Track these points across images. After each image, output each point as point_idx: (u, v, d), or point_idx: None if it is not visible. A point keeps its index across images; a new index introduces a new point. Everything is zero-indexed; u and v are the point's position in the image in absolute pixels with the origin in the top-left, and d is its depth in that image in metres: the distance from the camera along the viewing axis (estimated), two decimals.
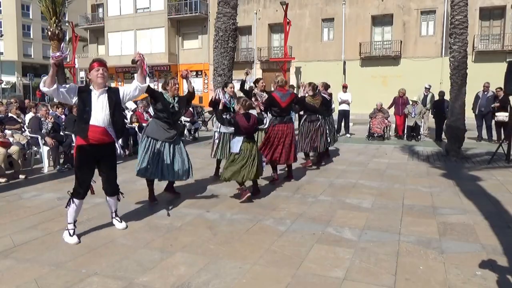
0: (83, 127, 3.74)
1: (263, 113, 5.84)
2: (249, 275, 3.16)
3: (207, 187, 6.06)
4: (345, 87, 13.18)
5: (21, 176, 6.65)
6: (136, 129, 9.27)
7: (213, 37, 10.78)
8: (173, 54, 31.41)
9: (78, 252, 3.60)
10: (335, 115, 10.86)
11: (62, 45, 3.76)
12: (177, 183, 5.96)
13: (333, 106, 10.38)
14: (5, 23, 45.61)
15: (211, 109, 7.19)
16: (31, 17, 48.27)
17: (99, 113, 3.77)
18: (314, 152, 7.75)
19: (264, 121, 7.00)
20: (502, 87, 9.02)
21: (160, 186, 5.45)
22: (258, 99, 6.65)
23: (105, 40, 33.60)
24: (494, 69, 19.06)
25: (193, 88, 5.37)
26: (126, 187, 5.96)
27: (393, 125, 12.80)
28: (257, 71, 28.06)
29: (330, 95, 9.34)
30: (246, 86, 6.85)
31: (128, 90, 4.04)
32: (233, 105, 6.29)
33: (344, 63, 25.91)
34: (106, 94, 3.84)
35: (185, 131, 11.95)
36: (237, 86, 6.79)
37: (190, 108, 12.76)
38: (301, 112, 7.80)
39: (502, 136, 10.25)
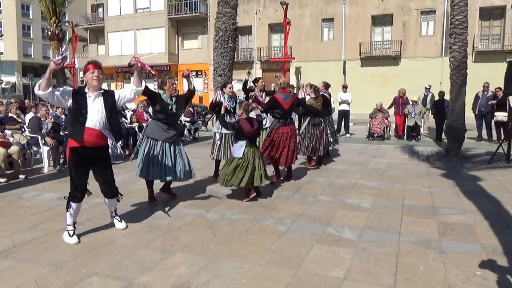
0: (79, 129, 3.70)
1: (262, 114, 5.85)
2: (249, 275, 3.16)
3: (207, 187, 6.06)
4: (345, 87, 13.18)
5: (21, 176, 6.66)
6: (136, 129, 9.27)
7: (213, 37, 10.78)
8: (173, 54, 31.40)
9: (78, 252, 3.60)
10: (335, 115, 10.89)
11: (61, 48, 3.73)
12: (177, 184, 5.96)
13: (333, 106, 10.40)
14: (5, 23, 45.58)
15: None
16: (31, 17, 48.24)
17: (95, 116, 3.74)
18: (315, 154, 7.76)
19: (264, 122, 7.04)
20: (502, 87, 9.02)
21: (158, 186, 5.44)
22: (258, 98, 6.67)
23: (105, 40, 33.59)
24: (494, 69, 19.06)
25: (194, 87, 5.34)
26: (126, 187, 5.96)
27: (393, 125, 12.80)
28: (257, 71, 28.05)
29: (329, 94, 9.35)
30: (247, 86, 6.87)
31: (124, 93, 4.02)
32: (233, 106, 6.28)
33: (344, 63, 25.91)
34: (102, 97, 3.82)
35: (185, 131, 11.95)
36: (236, 86, 6.80)
37: (190, 108, 12.77)
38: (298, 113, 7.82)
39: (502, 136, 10.26)
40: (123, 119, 9.82)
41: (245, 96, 6.99)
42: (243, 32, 28.41)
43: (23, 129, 7.72)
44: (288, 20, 23.56)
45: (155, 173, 4.89)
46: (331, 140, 8.50)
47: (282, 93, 6.30)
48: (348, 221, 4.45)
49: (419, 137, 12.04)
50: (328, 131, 8.12)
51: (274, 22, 27.87)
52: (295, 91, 7.65)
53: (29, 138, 7.37)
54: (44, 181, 6.48)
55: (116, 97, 3.96)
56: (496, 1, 22.95)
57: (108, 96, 3.88)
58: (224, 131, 6.26)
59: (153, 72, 4.73)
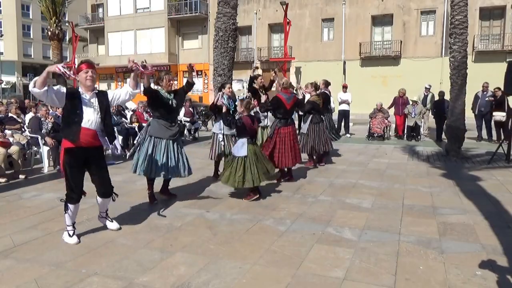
0: (74, 130, 3.66)
1: (259, 112, 5.86)
2: (249, 275, 3.16)
3: (207, 187, 6.06)
4: (345, 87, 13.18)
5: (21, 176, 6.66)
6: (136, 129, 9.27)
7: (213, 37, 10.78)
8: (173, 54, 31.41)
9: (78, 252, 3.60)
10: (335, 115, 10.89)
11: (69, 72, 3.63)
12: (177, 184, 5.97)
13: (333, 106, 10.41)
14: (5, 23, 45.58)
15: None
16: (31, 17, 48.24)
17: (91, 116, 3.72)
18: (316, 152, 7.78)
19: (266, 121, 7.04)
20: (502, 87, 9.03)
21: (157, 186, 5.44)
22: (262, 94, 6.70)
23: (105, 40, 33.60)
24: (494, 69, 19.07)
25: (193, 80, 5.34)
26: (126, 187, 5.96)
27: (393, 125, 12.80)
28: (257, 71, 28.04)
29: (329, 92, 9.42)
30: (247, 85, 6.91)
31: (118, 94, 4.01)
32: (232, 107, 6.26)
33: (344, 63, 25.92)
34: (96, 98, 3.81)
35: (185, 131, 11.95)
36: (236, 86, 6.79)
37: (190, 108, 12.77)
38: (301, 113, 7.84)
39: (502, 136, 10.26)
40: (123, 119, 9.83)
41: (249, 94, 6.97)
42: (243, 32, 28.41)
43: (23, 129, 7.72)
44: (288, 20, 23.55)
45: (158, 170, 4.91)
46: (333, 136, 8.56)
47: (285, 93, 6.30)
48: (348, 221, 4.45)
49: (419, 137, 12.04)
50: (329, 127, 8.24)
51: (274, 22, 27.88)
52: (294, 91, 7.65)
53: (29, 138, 7.37)
54: (44, 181, 6.48)
55: (110, 98, 3.95)
56: (496, 1, 22.96)
57: (102, 97, 3.87)
58: (226, 131, 6.25)
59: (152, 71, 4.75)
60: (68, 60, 24.61)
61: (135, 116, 10.01)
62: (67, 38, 34.70)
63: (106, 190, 4.02)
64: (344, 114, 13.03)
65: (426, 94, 12.84)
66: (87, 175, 3.93)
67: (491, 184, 6.31)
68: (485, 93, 11.81)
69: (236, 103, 5.92)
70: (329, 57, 26.40)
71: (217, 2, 10.50)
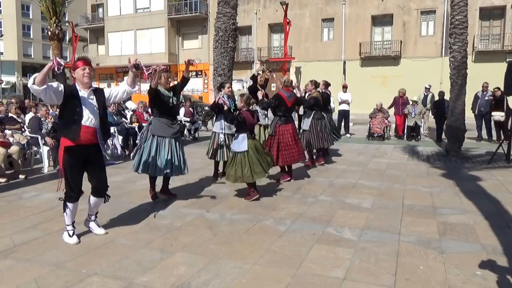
0: (74, 128, 3.63)
1: (258, 108, 5.88)
2: (249, 275, 3.16)
3: (207, 187, 6.06)
4: (345, 87, 13.18)
5: (21, 176, 6.65)
6: (136, 129, 9.27)
7: (213, 37, 10.78)
8: (173, 54, 31.41)
9: (78, 252, 3.60)
10: (335, 115, 10.90)
11: (62, 62, 3.58)
12: (177, 183, 5.97)
13: (332, 106, 10.42)
14: (5, 23, 45.57)
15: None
16: (31, 17, 48.23)
17: (91, 114, 3.70)
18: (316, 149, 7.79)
19: (266, 120, 7.05)
20: (501, 87, 9.03)
21: (157, 187, 5.44)
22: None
23: (105, 40, 33.61)
24: (494, 69, 19.07)
25: (189, 75, 5.35)
26: (126, 187, 5.97)
27: (393, 125, 12.80)
28: None
29: (329, 93, 9.46)
30: (248, 85, 6.91)
31: (116, 91, 3.99)
32: (232, 106, 6.26)
33: (344, 63, 25.92)
34: (94, 95, 3.79)
35: (185, 131, 11.95)
36: (236, 86, 6.81)
37: (190, 108, 12.77)
38: (301, 112, 7.86)
39: (502, 136, 10.26)
40: (123, 119, 9.82)
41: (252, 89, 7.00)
42: (243, 32, 28.41)
43: (23, 129, 7.72)
44: (288, 20, 23.57)
45: (163, 169, 4.93)
46: (334, 136, 8.60)
47: (286, 91, 6.32)
48: (348, 221, 4.45)
49: (419, 137, 12.04)
50: (330, 126, 8.30)
51: (274, 22, 27.89)
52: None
53: (29, 138, 7.37)
54: (44, 181, 6.48)
55: (106, 95, 3.93)
56: (496, 1, 22.96)
57: (99, 94, 3.86)
58: (227, 131, 6.25)
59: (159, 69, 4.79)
60: (68, 60, 24.61)
61: (135, 116, 10.01)
62: (67, 38, 34.71)
63: (102, 188, 3.96)
64: (344, 114, 13.02)
65: (426, 94, 12.84)
66: (85, 174, 3.93)
67: (491, 184, 6.31)
68: (485, 93, 11.81)
69: (236, 102, 5.93)
70: (329, 57, 26.41)
71: (217, 2, 10.49)
